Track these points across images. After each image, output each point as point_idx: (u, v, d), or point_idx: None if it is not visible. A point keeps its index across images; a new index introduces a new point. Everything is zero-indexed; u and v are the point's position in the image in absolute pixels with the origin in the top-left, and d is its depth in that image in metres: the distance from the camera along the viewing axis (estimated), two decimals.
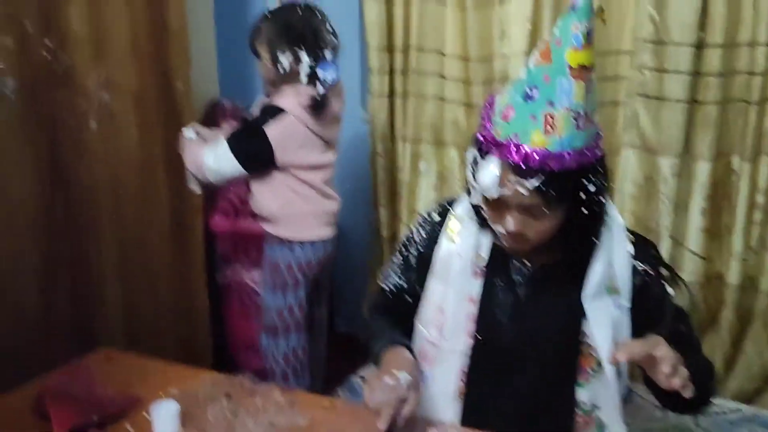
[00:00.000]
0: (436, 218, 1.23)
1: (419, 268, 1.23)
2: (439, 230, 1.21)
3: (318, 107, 1.75)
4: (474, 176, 1.06)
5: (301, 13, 1.76)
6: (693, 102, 1.80)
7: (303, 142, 1.76)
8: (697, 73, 1.78)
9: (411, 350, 1.16)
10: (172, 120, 1.85)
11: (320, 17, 1.77)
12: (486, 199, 1.06)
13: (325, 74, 1.74)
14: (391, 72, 2.17)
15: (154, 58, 1.77)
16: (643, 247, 1.15)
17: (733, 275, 1.89)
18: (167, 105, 1.83)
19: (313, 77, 1.74)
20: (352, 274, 2.44)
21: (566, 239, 1.07)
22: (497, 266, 1.16)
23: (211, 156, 1.73)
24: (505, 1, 1.95)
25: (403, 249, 1.27)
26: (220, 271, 2.24)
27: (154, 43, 1.76)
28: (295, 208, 1.81)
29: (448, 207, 1.23)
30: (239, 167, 1.74)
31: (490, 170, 1.01)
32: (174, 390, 1.28)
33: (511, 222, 1.04)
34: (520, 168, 0.98)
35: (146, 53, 1.74)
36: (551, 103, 0.96)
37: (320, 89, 1.74)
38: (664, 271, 1.15)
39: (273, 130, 1.73)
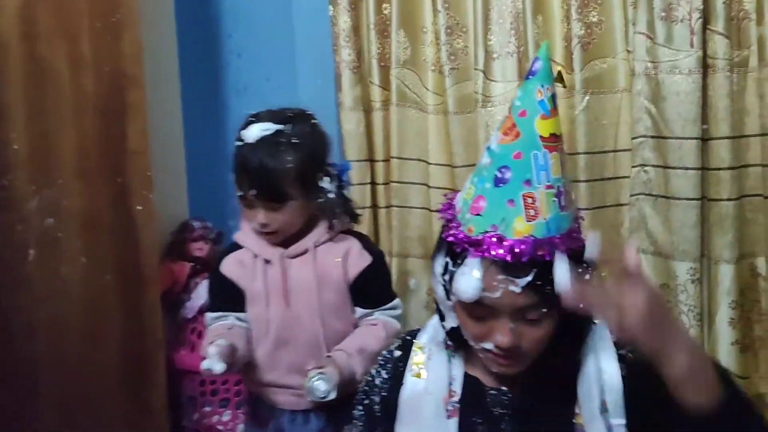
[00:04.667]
0: (397, 354, 1.06)
1: (385, 416, 1.05)
2: (403, 368, 1.03)
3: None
4: (448, 290, 0.90)
5: (312, 120, 1.40)
6: (704, 199, 1.63)
7: None
8: (705, 168, 1.62)
9: None
10: (128, 246, 1.67)
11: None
12: (469, 316, 0.90)
13: (346, 173, 1.46)
14: (373, 184, 2.03)
15: (108, 178, 1.62)
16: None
17: None
18: (123, 230, 1.66)
19: (342, 186, 1.43)
20: None
21: (555, 348, 0.93)
22: (473, 400, 0.98)
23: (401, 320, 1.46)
24: (488, 103, 1.83)
25: (364, 397, 1.08)
26: (186, 415, 1.98)
27: (108, 164, 1.62)
28: None
29: (410, 340, 1.06)
30: None
31: (471, 275, 0.86)
32: None
33: (504, 335, 0.88)
34: (507, 264, 0.84)
35: (98, 173, 1.59)
36: (528, 182, 0.85)
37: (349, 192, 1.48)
38: None
39: None
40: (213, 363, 1.25)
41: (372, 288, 1.42)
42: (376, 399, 1.06)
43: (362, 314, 1.41)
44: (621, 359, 0.95)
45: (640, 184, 1.68)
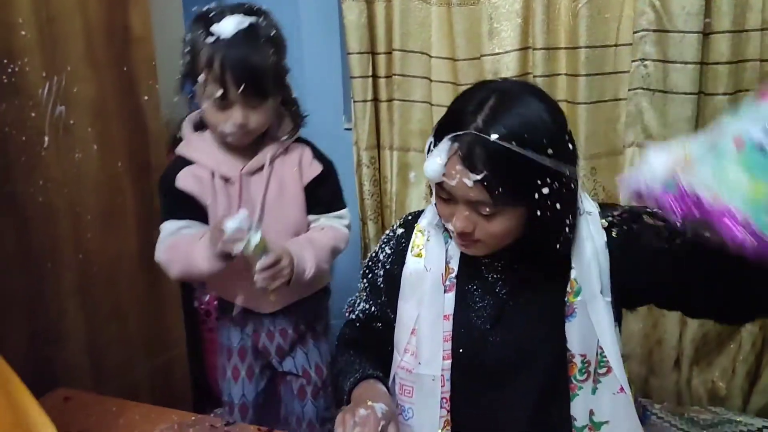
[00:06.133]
0: (400, 231, 1.14)
1: (388, 288, 1.13)
2: (405, 245, 1.11)
3: None
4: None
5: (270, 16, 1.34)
6: (701, 94, 1.67)
7: None
8: (704, 63, 1.64)
9: (386, 384, 1.05)
10: (137, 134, 1.70)
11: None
12: (438, 196, 0.98)
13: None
14: (374, 76, 2.04)
15: (115, 67, 1.62)
16: (612, 208, 1.06)
17: None
18: (132, 119, 1.69)
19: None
20: (341, 295, 2.28)
21: (530, 243, 0.99)
22: (469, 272, 1.07)
23: (349, 230, 1.48)
24: None
25: (367, 272, 1.17)
26: (197, 297, 2.09)
27: (114, 51, 1.62)
28: None
29: (413, 220, 1.13)
30: None
31: (437, 158, 0.93)
32: None
33: (459, 220, 0.95)
34: (465, 156, 0.90)
35: (105, 61, 1.60)
36: None
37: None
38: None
39: None
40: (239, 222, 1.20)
41: (322, 194, 1.43)
42: (380, 272, 1.15)
43: (310, 220, 1.43)
44: (611, 224, 1.02)
45: (638, 79, 1.71)
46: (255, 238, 1.21)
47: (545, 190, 0.92)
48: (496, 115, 0.91)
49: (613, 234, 1.02)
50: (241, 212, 1.22)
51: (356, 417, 0.90)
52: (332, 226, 1.44)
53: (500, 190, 0.90)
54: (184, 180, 1.36)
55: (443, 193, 0.96)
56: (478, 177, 0.90)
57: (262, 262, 1.23)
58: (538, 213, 0.93)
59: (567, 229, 0.99)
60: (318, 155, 1.44)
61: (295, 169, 1.39)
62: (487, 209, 0.93)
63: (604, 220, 1.03)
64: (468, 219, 0.95)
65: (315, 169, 1.41)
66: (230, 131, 1.31)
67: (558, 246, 0.99)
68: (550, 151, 0.91)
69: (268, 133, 1.38)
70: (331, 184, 1.45)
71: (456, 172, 0.91)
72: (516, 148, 0.89)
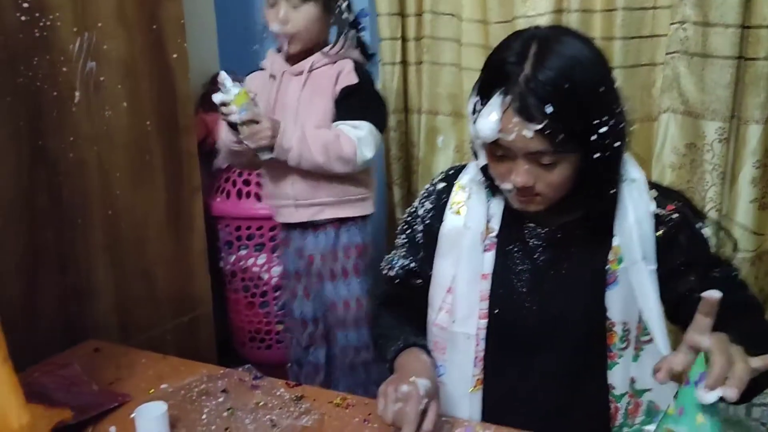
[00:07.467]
0: (441, 186, 1.12)
1: (427, 243, 1.12)
2: (445, 201, 1.09)
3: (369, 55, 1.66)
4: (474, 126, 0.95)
5: None
6: (741, 58, 1.61)
7: None
8: (745, 27, 1.59)
9: (428, 351, 1.05)
10: (166, 93, 1.70)
11: None
12: (492, 155, 0.96)
13: (363, 18, 1.62)
14: (404, 39, 2.01)
15: (145, 25, 1.62)
16: (667, 196, 1.03)
17: None
18: (161, 77, 1.68)
19: (355, 20, 1.61)
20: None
21: (582, 193, 0.97)
22: (511, 233, 1.05)
23: (365, 146, 1.53)
24: None
25: (406, 227, 1.15)
26: (223, 258, 2.10)
27: (144, 9, 1.61)
28: None
29: (454, 175, 1.11)
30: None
31: (490, 115, 0.91)
32: (165, 386, 1.17)
33: (519, 175, 0.93)
34: (522, 107, 0.87)
35: (135, 19, 1.59)
36: None
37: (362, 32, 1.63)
38: (693, 214, 1.03)
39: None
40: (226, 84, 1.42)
41: (349, 104, 1.56)
42: (419, 228, 1.13)
43: (333, 126, 1.54)
44: (659, 218, 1.00)
45: (676, 42, 1.66)
46: (234, 91, 1.44)
47: (603, 129, 0.90)
48: (542, 60, 0.88)
49: (659, 232, 1.00)
50: (220, 75, 1.44)
51: (398, 393, 0.90)
52: (340, 129, 1.53)
53: (562, 136, 0.88)
54: (250, 80, 1.64)
55: (499, 151, 0.94)
56: (538, 126, 0.87)
57: (242, 115, 1.45)
58: (597, 155, 0.91)
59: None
60: (358, 69, 1.58)
61: (332, 78, 1.54)
62: (548, 158, 0.91)
63: (656, 209, 1.01)
64: (528, 173, 0.93)
65: (350, 79, 1.55)
66: (276, 30, 1.52)
67: (612, 192, 0.98)
68: (602, 88, 0.90)
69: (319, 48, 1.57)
70: (361, 97, 1.57)
71: (513, 125, 0.89)
72: (570, 90, 0.87)
